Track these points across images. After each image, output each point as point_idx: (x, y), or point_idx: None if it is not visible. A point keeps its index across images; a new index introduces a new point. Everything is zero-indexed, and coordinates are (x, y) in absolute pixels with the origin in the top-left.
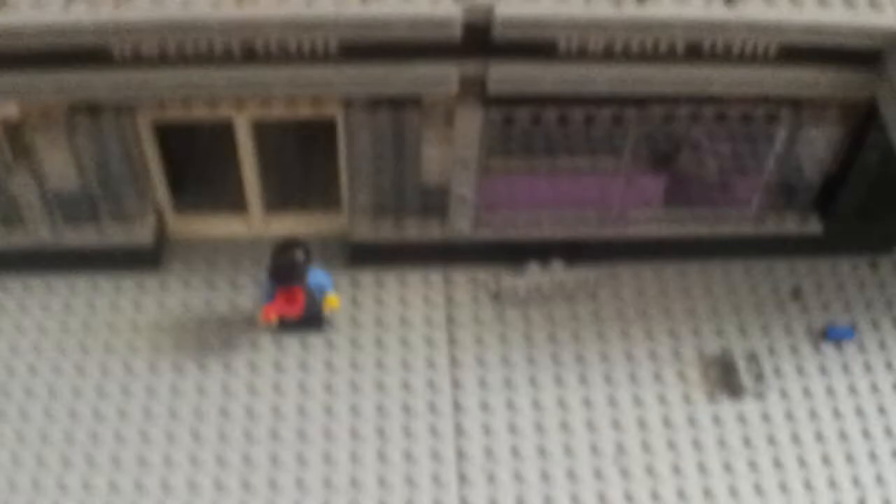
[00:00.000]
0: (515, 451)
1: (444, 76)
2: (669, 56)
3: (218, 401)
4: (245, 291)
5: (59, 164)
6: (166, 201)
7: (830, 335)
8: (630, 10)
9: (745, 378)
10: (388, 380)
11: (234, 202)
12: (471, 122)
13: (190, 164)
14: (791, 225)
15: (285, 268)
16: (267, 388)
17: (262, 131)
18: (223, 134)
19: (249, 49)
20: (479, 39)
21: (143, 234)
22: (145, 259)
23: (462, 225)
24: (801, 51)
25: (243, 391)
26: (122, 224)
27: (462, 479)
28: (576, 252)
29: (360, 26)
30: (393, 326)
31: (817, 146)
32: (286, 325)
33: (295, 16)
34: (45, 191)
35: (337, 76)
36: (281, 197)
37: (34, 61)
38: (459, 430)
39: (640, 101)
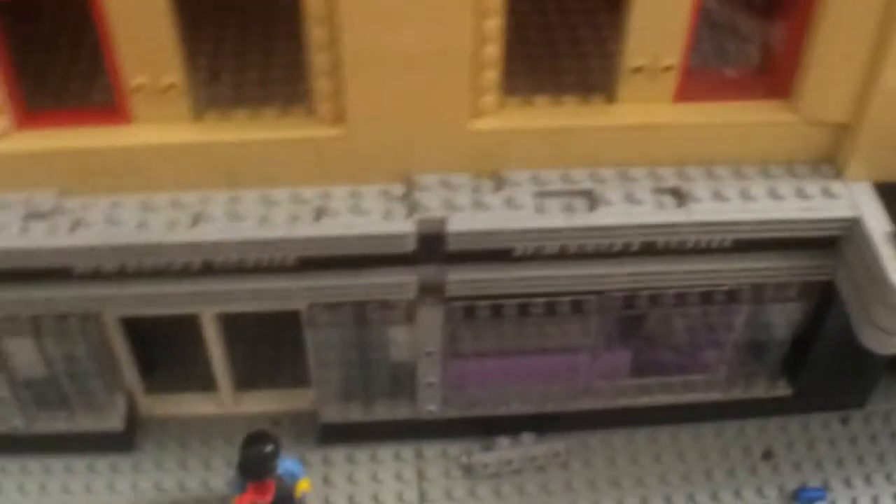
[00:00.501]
0: None
1: (403, 283)
2: (624, 254)
3: None
4: (218, 471)
5: (27, 361)
6: (136, 384)
7: (802, 497)
8: (581, 219)
9: None
10: None
11: (204, 382)
12: (432, 320)
13: (159, 346)
14: (760, 388)
15: (255, 463)
16: None
17: (229, 318)
18: (190, 322)
19: (207, 265)
20: (434, 249)
21: (113, 420)
22: (117, 443)
23: (431, 407)
24: (757, 243)
25: None
26: (93, 411)
27: None
28: (545, 424)
29: (315, 245)
30: None
31: (780, 319)
32: None
33: (249, 237)
34: (15, 383)
35: (296, 287)
36: (250, 376)
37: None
38: None
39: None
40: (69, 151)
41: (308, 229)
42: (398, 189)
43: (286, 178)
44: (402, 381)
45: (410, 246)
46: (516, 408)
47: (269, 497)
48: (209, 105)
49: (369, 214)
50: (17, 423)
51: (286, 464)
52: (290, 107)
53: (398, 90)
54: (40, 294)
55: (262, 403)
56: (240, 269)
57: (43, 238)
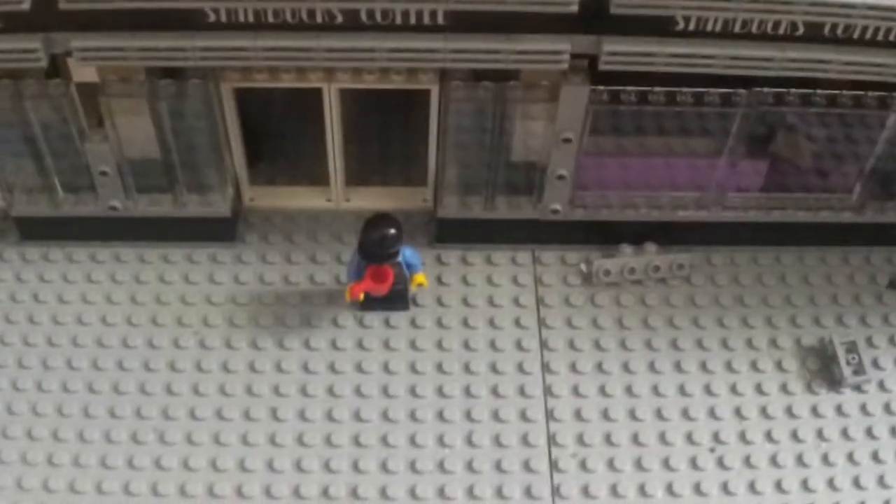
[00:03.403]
0: (608, 438)
1: (557, 51)
2: (788, 37)
3: (297, 379)
4: (325, 265)
5: (136, 130)
6: (244, 171)
7: None
8: None
9: (845, 369)
10: (475, 362)
11: (315, 174)
12: (577, 100)
13: (270, 133)
14: (892, 214)
15: (378, 244)
16: (349, 367)
17: (349, 101)
18: (307, 102)
19: (352, 16)
20: (595, 14)
21: (219, 204)
22: (220, 231)
23: (557, 205)
24: None
25: (324, 370)
26: (198, 194)
27: (554, 465)
28: (669, 235)
29: None
30: (480, 307)
31: None
32: (369, 302)
33: None
34: (121, 158)
35: (442, 48)
36: (363, 170)
37: (121, 24)
38: (550, 415)
39: (751, 83)
40: None
41: None
42: None
43: None
44: (527, 178)
45: (574, 5)
46: (642, 214)
47: (385, 287)
48: None
49: None
50: (115, 203)
51: (406, 253)
52: None
53: None
54: (168, 42)
55: (373, 200)
56: (383, 26)
57: None
